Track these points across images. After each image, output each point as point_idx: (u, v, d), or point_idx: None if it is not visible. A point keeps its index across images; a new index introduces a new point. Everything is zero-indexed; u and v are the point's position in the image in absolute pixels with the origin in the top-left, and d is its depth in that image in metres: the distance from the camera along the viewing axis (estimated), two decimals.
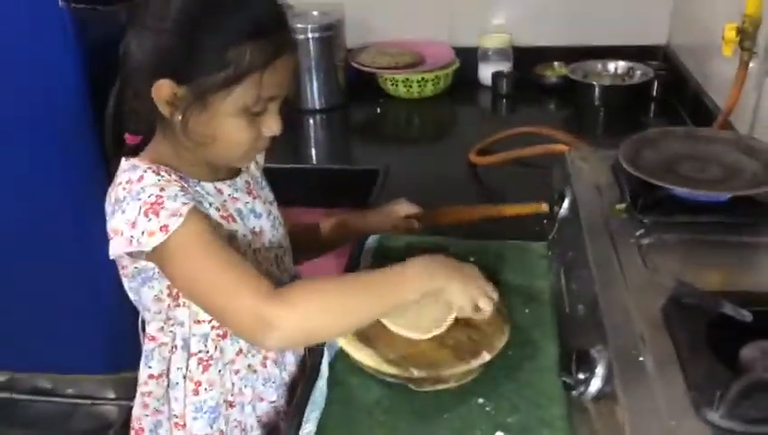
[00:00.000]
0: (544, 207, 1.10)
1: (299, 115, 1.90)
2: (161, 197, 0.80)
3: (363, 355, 0.85)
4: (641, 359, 0.68)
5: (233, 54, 0.79)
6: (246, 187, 0.97)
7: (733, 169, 0.99)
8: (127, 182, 0.82)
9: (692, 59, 1.77)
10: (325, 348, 0.90)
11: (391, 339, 0.87)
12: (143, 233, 0.79)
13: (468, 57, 2.01)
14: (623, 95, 1.84)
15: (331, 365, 0.88)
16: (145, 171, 0.82)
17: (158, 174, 0.82)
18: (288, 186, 1.11)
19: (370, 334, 0.88)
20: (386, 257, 1.08)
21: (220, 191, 0.92)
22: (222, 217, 0.90)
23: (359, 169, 1.55)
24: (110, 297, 1.65)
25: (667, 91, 1.83)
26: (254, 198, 0.97)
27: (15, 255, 1.67)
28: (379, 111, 1.95)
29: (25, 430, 1.89)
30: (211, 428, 0.95)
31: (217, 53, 0.79)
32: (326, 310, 0.80)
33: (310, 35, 1.83)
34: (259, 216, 0.97)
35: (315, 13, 1.91)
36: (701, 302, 0.72)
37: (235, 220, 0.92)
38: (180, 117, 0.82)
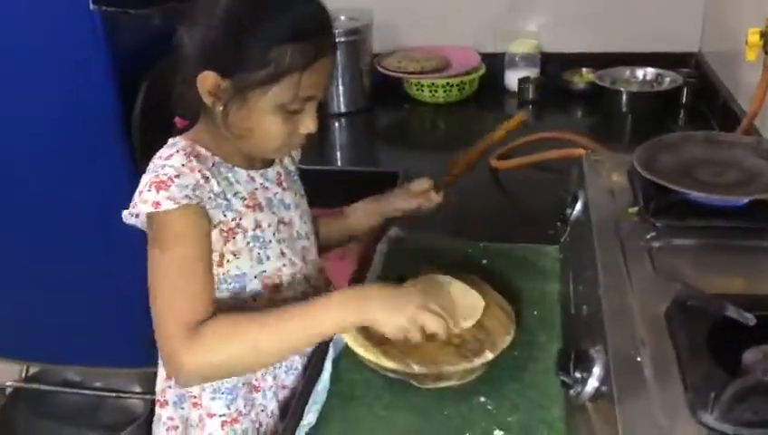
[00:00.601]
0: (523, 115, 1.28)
1: (324, 118, 1.92)
2: (173, 180, 0.84)
3: (363, 349, 0.86)
4: (639, 359, 0.67)
5: (274, 54, 0.82)
6: (277, 178, 0.99)
7: (751, 174, 0.97)
8: (158, 157, 0.87)
9: (722, 66, 1.74)
10: (330, 344, 0.91)
11: None
12: (140, 197, 0.84)
13: (495, 63, 2.01)
14: (651, 102, 1.82)
15: (334, 362, 0.89)
16: (177, 151, 0.87)
17: (189, 158, 0.87)
18: (307, 187, 1.12)
19: (378, 334, 0.88)
20: (397, 260, 1.10)
21: (252, 179, 0.95)
22: (247, 205, 0.92)
23: (379, 172, 1.56)
24: (138, 294, 1.69)
25: (697, 99, 1.81)
26: (284, 189, 1.00)
27: (46, 249, 1.71)
28: (406, 106, 1.97)
29: (53, 421, 1.93)
30: (228, 408, 0.96)
31: (260, 51, 0.82)
32: (231, 355, 0.82)
33: (337, 39, 1.84)
34: (288, 207, 0.99)
35: (343, 17, 1.93)
36: (705, 304, 0.71)
37: (262, 209, 0.94)
38: (221, 108, 0.86)
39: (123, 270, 1.70)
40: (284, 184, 1.00)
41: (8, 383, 1.95)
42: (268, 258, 0.95)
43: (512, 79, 1.99)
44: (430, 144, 1.86)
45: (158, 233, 0.84)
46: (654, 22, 1.94)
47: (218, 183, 0.89)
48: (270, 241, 0.95)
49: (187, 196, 0.83)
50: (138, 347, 1.80)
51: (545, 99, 1.94)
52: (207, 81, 0.85)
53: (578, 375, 0.70)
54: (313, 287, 1.03)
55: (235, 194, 0.92)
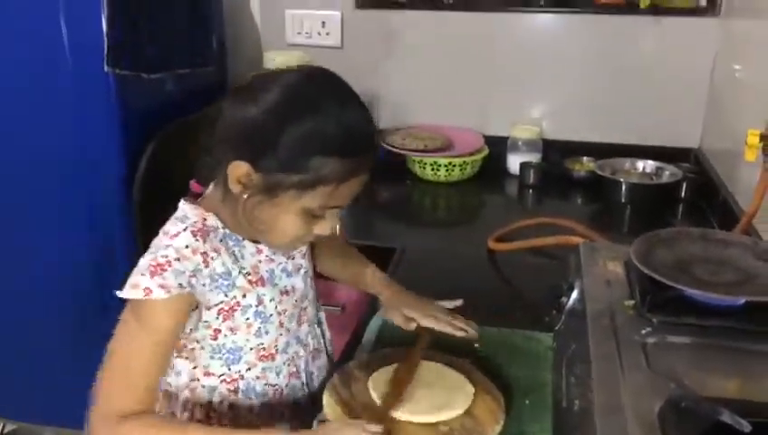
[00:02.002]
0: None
1: None
2: (170, 264, 0.83)
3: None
4: None
5: (316, 162, 0.80)
6: None
7: (747, 274, 0.97)
8: (164, 233, 0.87)
9: (721, 163, 1.77)
10: (315, 422, 0.89)
11: (381, 418, 0.85)
12: (134, 279, 0.83)
13: (498, 146, 2.04)
14: (650, 194, 1.83)
15: None
16: (186, 229, 0.86)
17: (196, 237, 0.86)
18: None
19: (359, 409, 0.86)
20: (385, 345, 1.08)
21: (259, 251, 0.94)
22: (250, 281, 0.92)
23: (377, 247, 1.55)
24: None
25: (696, 194, 1.82)
26: (289, 257, 0.98)
27: (34, 306, 1.70)
28: (408, 182, 2.00)
29: None
30: None
31: (302, 157, 0.80)
32: None
33: None
34: (290, 274, 0.98)
35: None
36: (699, 407, 0.70)
37: (264, 284, 0.93)
38: (246, 198, 0.84)
39: (106, 335, 1.68)
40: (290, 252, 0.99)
41: None
42: (267, 332, 0.94)
43: (514, 162, 2.02)
44: (429, 221, 1.87)
45: (138, 313, 0.83)
46: (656, 116, 1.98)
47: (224, 263, 0.88)
48: (271, 315, 0.94)
49: (180, 284, 0.83)
50: None
51: (546, 184, 1.96)
52: (239, 170, 0.82)
53: None
54: (304, 346, 1.02)
55: (240, 271, 0.91)
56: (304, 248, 1.03)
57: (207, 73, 1.83)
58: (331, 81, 0.85)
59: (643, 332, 0.88)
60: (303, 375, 1.03)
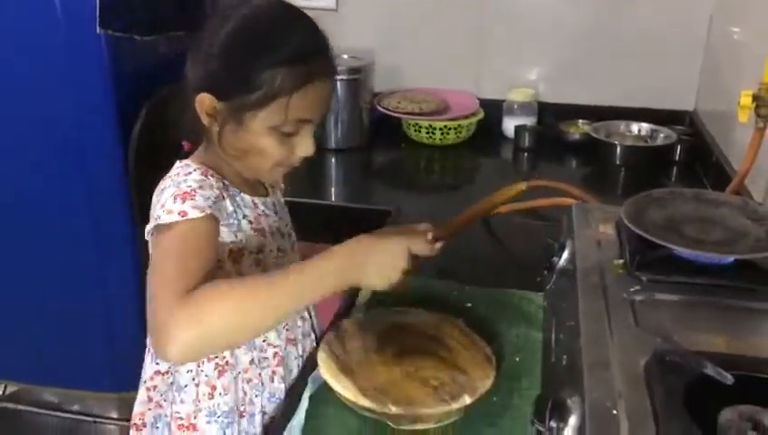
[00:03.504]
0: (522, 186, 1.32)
1: (322, 153, 1.94)
2: (195, 191, 0.85)
3: (341, 386, 0.85)
4: (615, 413, 0.67)
5: (266, 77, 0.83)
6: (274, 207, 1.02)
7: (737, 233, 0.98)
8: (176, 175, 0.88)
9: (716, 125, 1.77)
10: (309, 379, 0.91)
11: (373, 373, 0.87)
12: (164, 209, 0.82)
13: (494, 109, 2.03)
14: (645, 156, 1.84)
15: (312, 396, 0.88)
16: (195, 169, 0.88)
17: (206, 176, 0.88)
18: (299, 221, 1.13)
19: (353, 365, 0.88)
20: (380, 304, 1.09)
21: (256, 205, 0.97)
22: (254, 229, 0.94)
23: (371, 209, 1.56)
24: (117, 320, 1.69)
25: (690, 156, 1.83)
26: (280, 219, 1.02)
27: (33, 268, 1.71)
28: (403, 146, 2.00)
29: None
30: (224, 433, 0.95)
31: (252, 74, 0.84)
32: (228, 318, 0.75)
33: (338, 77, 1.87)
34: (284, 236, 1.01)
35: (346, 56, 1.97)
36: (684, 361, 0.71)
37: (265, 235, 0.96)
38: (217, 129, 0.88)
39: (109, 293, 1.70)
40: (279, 214, 1.02)
41: None
42: None
43: (509, 125, 2.02)
44: (424, 185, 1.88)
45: (175, 230, 0.81)
46: (651, 79, 1.97)
47: (231, 204, 0.91)
48: (271, 268, 0.95)
49: (210, 206, 0.84)
50: (117, 373, 1.80)
51: (541, 147, 1.96)
52: (204, 102, 0.87)
53: (553, 425, 0.69)
54: (301, 318, 1.05)
55: (244, 216, 0.93)
56: (289, 222, 1.05)
57: None
58: (274, 5, 0.90)
59: (632, 290, 0.89)
60: (299, 346, 1.04)
